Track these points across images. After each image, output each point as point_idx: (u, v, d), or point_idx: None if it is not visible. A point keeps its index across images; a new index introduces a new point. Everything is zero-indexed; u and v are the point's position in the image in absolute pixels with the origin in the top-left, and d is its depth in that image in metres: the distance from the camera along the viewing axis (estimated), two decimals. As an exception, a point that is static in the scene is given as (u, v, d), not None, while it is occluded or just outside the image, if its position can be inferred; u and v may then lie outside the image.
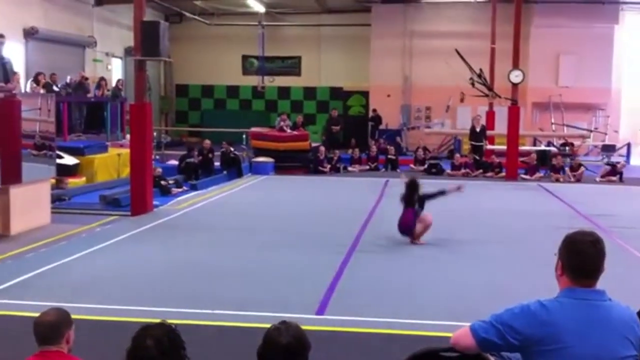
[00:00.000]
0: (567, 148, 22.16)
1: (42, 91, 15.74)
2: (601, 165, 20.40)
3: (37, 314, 3.49)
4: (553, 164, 19.75)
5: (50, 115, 12.20)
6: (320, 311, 7.00)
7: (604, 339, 2.64)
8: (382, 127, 26.16)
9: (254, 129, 21.90)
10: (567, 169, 19.55)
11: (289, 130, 21.23)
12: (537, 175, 19.58)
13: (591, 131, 24.46)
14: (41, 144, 11.73)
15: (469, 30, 25.35)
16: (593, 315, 2.68)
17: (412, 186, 10.34)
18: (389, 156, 21.56)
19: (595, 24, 24.96)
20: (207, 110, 30.27)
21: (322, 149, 20.98)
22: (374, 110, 26.50)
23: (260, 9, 25.98)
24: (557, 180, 18.96)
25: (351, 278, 8.37)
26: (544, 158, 20.72)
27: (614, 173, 19.12)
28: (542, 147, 22.98)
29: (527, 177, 19.44)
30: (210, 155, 18.78)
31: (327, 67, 28.81)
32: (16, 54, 16.94)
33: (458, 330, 2.85)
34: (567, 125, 24.65)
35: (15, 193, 10.88)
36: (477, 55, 22.02)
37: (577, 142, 22.69)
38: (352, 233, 10.95)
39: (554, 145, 23.20)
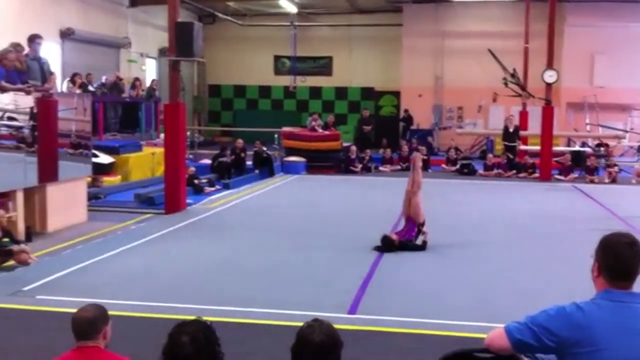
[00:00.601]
0: (601, 149, 21.83)
1: (78, 91, 15.99)
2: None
3: (74, 310, 3.53)
4: (587, 164, 19.49)
5: (86, 114, 12.39)
6: (352, 310, 7.02)
7: (639, 342, 2.62)
8: (413, 127, 26.09)
9: (285, 129, 21.98)
10: (603, 170, 19.25)
11: (320, 130, 21.26)
12: (572, 176, 19.34)
13: (626, 132, 24.07)
14: (77, 143, 11.94)
15: (502, 29, 25.13)
16: (630, 317, 2.66)
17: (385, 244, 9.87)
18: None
19: (630, 23, 24.56)
20: (239, 110, 30.44)
21: (354, 148, 20.98)
22: (406, 111, 26.44)
23: (292, 9, 26.06)
24: (592, 182, 18.70)
25: (382, 278, 8.37)
26: (578, 159, 20.44)
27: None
28: (577, 148, 22.67)
29: (562, 178, 19.21)
30: (242, 154, 18.90)
31: (358, 67, 28.78)
32: (53, 55, 17.21)
33: (492, 331, 2.84)
34: (602, 126, 24.28)
35: (52, 191, 11.08)
36: (510, 55, 21.83)
37: (612, 143, 22.35)
38: (383, 233, 10.92)
39: (588, 146, 22.88)
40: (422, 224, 10.04)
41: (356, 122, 26.47)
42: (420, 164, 10.74)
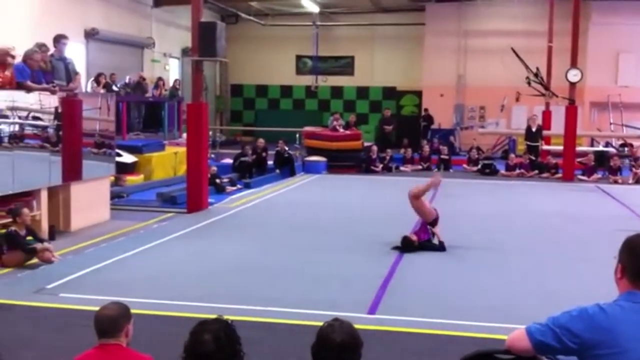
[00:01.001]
0: (625, 149, 21.59)
1: (102, 91, 16.14)
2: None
3: (96, 308, 3.57)
4: (611, 165, 19.28)
5: (110, 114, 12.49)
6: (372, 310, 7.01)
7: (663, 344, 2.59)
8: (435, 126, 25.97)
9: (307, 129, 22.01)
10: (632, 170, 19.02)
11: (341, 130, 21.26)
12: (595, 176, 19.15)
13: (652, 132, 23.77)
14: (101, 142, 12.04)
15: (525, 28, 24.94)
16: (653, 319, 2.62)
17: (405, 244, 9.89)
18: (442, 156, 21.39)
19: (656, 21, 24.26)
20: (261, 109, 30.54)
21: (375, 148, 20.95)
22: (425, 110, 26.33)
23: (315, 9, 26.09)
24: (615, 182, 18.51)
25: (403, 278, 8.36)
26: (601, 159, 20.23)
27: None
28: (600, 148, 22.44)
29: (585, 178, 19.02)
30: (264, 154, 18.96)
31: (380, 67, 28.73)
32: (77, 55, 17.40)
33: (513, 332, 2.82)
34: (626, 126, 24.00)
35: (76, 190, 11.19)
36: (533, 54, 21.66)
37: (636, 143, 22.06)
38: (403, 233, 10.88)
39: (612, 146, 22.63)
40: (433, 223, 9.97)
41: (377, 122, 26.42)
42: (437, 180, 10.80)
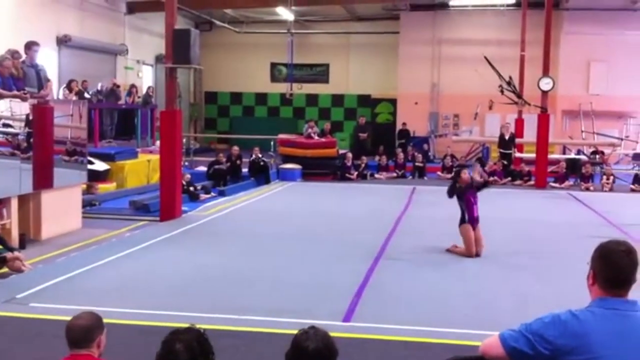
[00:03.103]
0: (597, 156, 21.89)
1: (74, 98, 15.98)
2: (631, 175, 20.08)
3: (67, 318, 3.50)
4: (583, 172, 19.54)
5: (82, 121, 12.37)
6: (347, 318, 6.99)
7: (635, 350, 2.61)
8: (410, 134, 26.07)
9: (281, 136, 21.99)
10: (603, 177, 19.27)
11: (316, 137, 21.28)
12: (567, 183, 19.38)
13: (622, 139, 24.14)
14: (73, 150, 11.90)
15: (498, 37, 25.21)
16: (625, 326, 2.65)
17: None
18: (417, 164, 21.50)
19: (626, 31, 24.67)
20: (235, 117, 30.47)
21: (350, 155, 21.00)
22: (404, 124, 26.25)
23: (290, 17, 26.09)
24: (587, 189, 18.75)
25: (378, 285, 8.35)
26: (573, 166, 20.49)
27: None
28: (572, 156, 22.73)
29: (557, 185, 19.24)
30: (238, 161, 18.89)
31: (355, 75, 28.85)
32: (49, 61, 17.22)
33: (487, 339, 2.83)
34: (598, 134, 24.35)
35: (47, 198, 11.04)
36: (506, 63, 21.88)
37: (607, 151, 22.40)
38: (379, 240, 10.93)
39: (583, 154, 22.93)
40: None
41: (352, 130, 26.48)
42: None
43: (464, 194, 10.11)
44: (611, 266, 2.71)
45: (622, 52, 24.68)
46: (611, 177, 19.20)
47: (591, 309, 2.72)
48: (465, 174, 10.26)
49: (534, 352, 2.67)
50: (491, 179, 19.32)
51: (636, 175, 19.21)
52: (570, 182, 19.55)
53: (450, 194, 10.22)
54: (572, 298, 3.62)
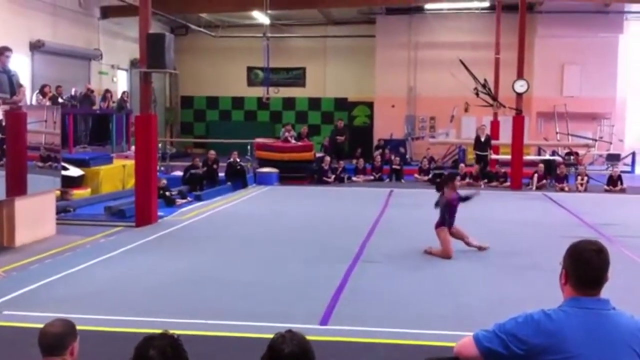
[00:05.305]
0: (571, 157, 22.13)
1: (48, 103, 15.81)
2: (605, 175, 20.32)
3: (41, 325, 3.46)
4: (557, 173, 19.75)
5: (56, 127, 12.23)
6: (324, 321, 6.98)
7: (608, 349, 2.62)
8: (386, 137, 26.15)
9: (258, 140, 21.94)
10: (578, 178, 19.48)
11: (293, 141, 21.27)
12: (541, 183, 19.57)
13: (596, 140, 24.43)
14: (46, 156, 11.76)
15: (473, 40, 25.42)
16: (598, 324, 2.66)
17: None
18: (394, 166, 21.57)
19: (599, 34, 25.01)
20: (212, 121, 30.35)
21: (327, 159, 21.00)
22: (379, 140, 26.01)
23: (265, 21, 26.06)
24: (562, 190, 18.95)
25: (355, 288, 8.35)
26: (549, 167, 20.69)
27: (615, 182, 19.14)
28: (547, 157, 22.95)
29: (532, 186, 19.41)
30: (214, 166, 18.80)
31: (332, 78, 28.90)
32: (22, 67, 17.02)
33: (461, 340, 2.84)
34: (572, 135, 24.62)
35: (21, 205, 10.90)
36: (481, 65, 22.05)
37: (581, 152, 22.66)
38: (356, 243, 10.93)
39: (558, 155, 23.17)
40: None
41: (330, 133, 26.49)
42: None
43: (450, 203, 10.26)
44: (583, 265, 2.73)
45: (595, 54, 25.00)
46: (585, 178, 19.43)
47: (564, 308, 2.73)
48: (451, 192, 10.34)
49: (508, 352, 2.68)
50: (466, 181, 19.53)
51: (610, 176, 19.45)
52: (545, 182, 19.74)
53: (438, 205, 10.36)
54: (548, 298, 3.64)
